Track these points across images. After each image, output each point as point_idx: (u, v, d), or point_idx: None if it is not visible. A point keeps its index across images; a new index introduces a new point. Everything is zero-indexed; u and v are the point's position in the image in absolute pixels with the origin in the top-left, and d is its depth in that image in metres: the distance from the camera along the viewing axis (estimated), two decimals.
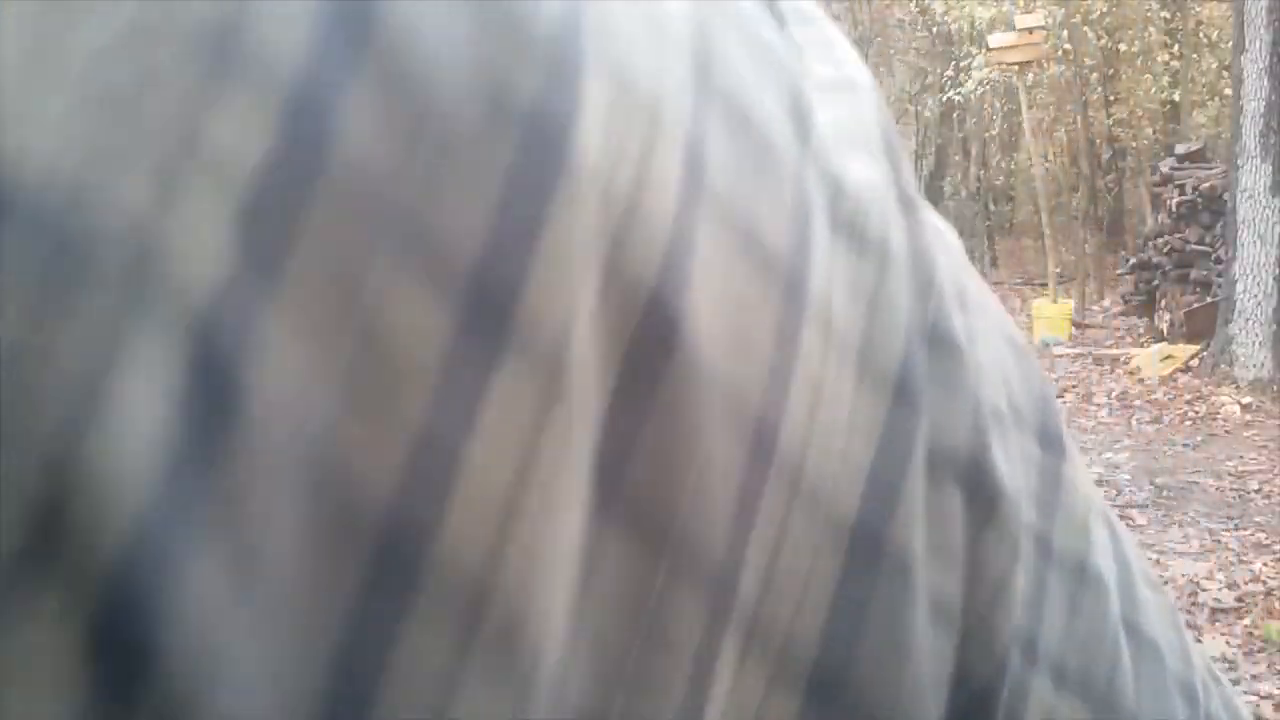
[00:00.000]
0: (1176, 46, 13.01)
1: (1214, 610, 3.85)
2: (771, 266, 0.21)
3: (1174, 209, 9.05)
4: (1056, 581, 0.28)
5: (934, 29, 15.69)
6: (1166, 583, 4.01)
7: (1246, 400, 6.90)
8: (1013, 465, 0.27)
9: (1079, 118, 12.89)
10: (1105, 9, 11.98)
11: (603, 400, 0.19)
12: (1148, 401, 7.13)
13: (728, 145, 0.21)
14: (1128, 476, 5.50)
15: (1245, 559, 4.32)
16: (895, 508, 0.23)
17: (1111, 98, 13.53)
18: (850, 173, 0.24)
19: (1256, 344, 7.27)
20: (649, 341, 0.19)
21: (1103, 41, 12.36)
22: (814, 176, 0.23)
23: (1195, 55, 13.40)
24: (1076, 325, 9.88)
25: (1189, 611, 3.83)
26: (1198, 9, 13.23)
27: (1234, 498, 5.14)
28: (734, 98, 0.21)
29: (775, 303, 0.21)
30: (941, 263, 0.26)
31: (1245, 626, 3.71)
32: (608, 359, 0.19)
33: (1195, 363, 7.80)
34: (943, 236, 0.27)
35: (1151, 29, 13.22)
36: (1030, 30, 10.05)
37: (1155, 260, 9.22)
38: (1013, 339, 0.30)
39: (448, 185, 0.16)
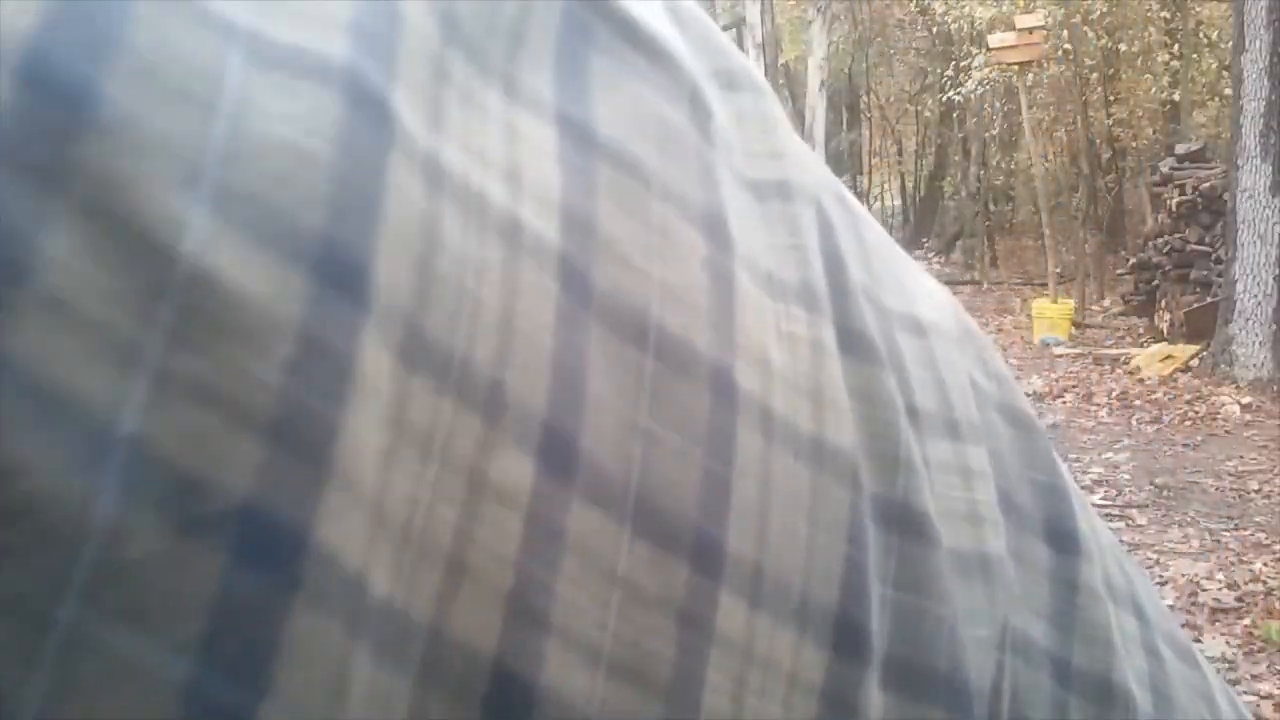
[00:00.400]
0: (1176, 46, 12.99)
1: (1214, 610, 3.84)
2: (672, 546, 0.17)
3: (1174, 209, 9.04)
4: (1079, 710, 0.26)
5: (934, 29, 15.67)
6: (1166, 583, 4.01)
7: (1246, 400, 6.90)
8: (1002, 624, 0.24)
9: (1079, 118, 12.88)
10: (1105, 9, 11.96)
11: None
12: (1148, 401, 7.12)
13: (613, 386, 0.17)
14: (1128, 476, 5.50)
15: (1245, 559, 4.31)
16: None
17: (1111, 98, 13.52)
18: (780, 350, 0.20)
19: (1256, 344, 7.27)
20: None
21: (1103, 41, 12.35)
22: (741, 369, 0.19)
23: (1195, 55, 13.40)
24: (1076, 325, 9.87)
25: (1189, 611, 3.83)
26: (1198, 9, 13.23)
27: (1234, 498, 5.14)
28: (621, 309, 0.17)
29: (679, 584, 0.17)
30: (902, 420, 0.22)
31: (1245, 626, 3.70)
32: None
33: (1195, 363, 7.79)
34: (919, 335, 0.24)
35: (1151, 29, 13.21)
36: (1030, 30, 10.04)
37: (1155, 260, 9.21)
38: (1018, 417, 0.27)
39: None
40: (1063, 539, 0.27)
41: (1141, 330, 9.52)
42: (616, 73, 0.19)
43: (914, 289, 0.25)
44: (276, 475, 0.13)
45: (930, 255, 16.42)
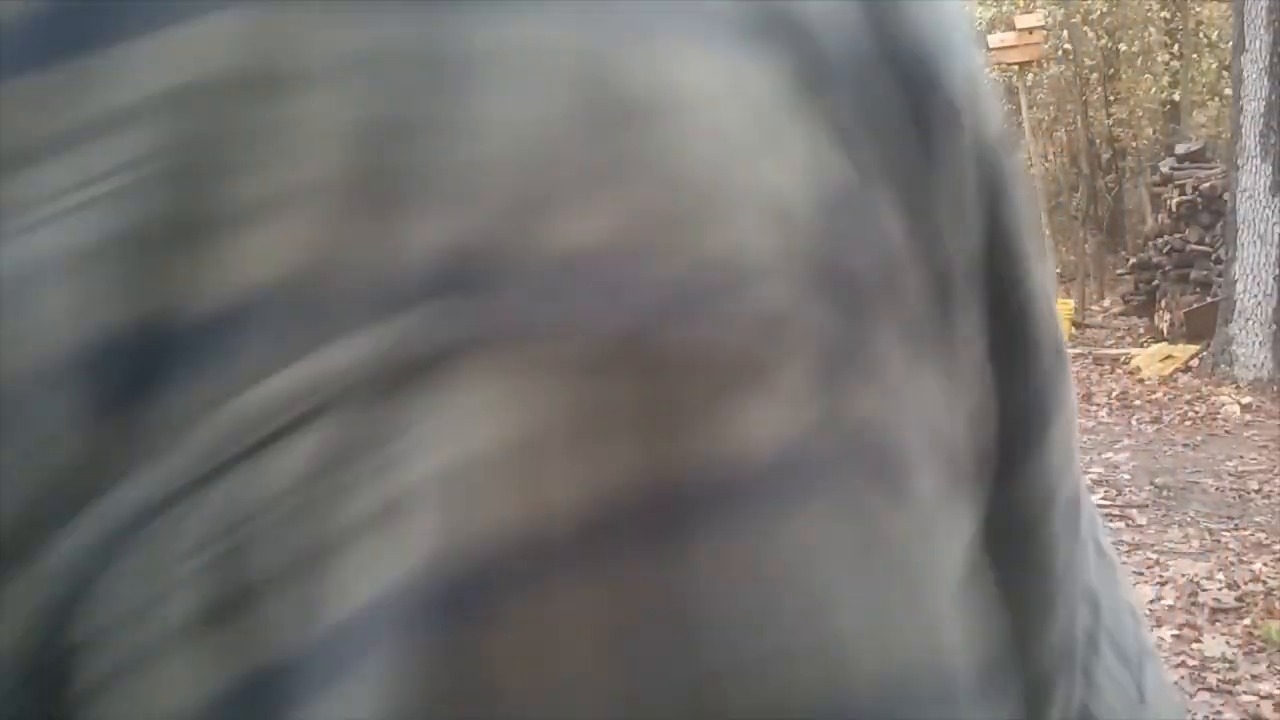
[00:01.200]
0: (1176, 46, 13.00)
1: (1214, 610, 3.84)
2: None
3: (1174, 209, 9.05)
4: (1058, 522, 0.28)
5: None
6: (1166, 583, 4.01)
7: (1246, 400, 6.90)
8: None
9: (1079, 118, 12.89)
10: (1105, 9, 11.97)
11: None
12: (1148, 401, 7.12)
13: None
14: (1128, 476, 5.50)
15: (1245, 559, 4.31)
16: None
17: (1111, 98, 13.52)
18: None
19: (1256, 344, 7.27)
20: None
21: (1103, 41, 12.35)
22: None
23: (1195, 55, 13.40)
24: (1076, 325, 9.88)
25: (1189, 611, 3.83)
26: (1198, 9, 13.23)
27: (1234, 498, 5.14)
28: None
29: None
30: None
31: (1245, 626, 3.70)
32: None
33: (1195, 363, 7.79)
34: None
35: (1151, 29, 13.21)
36: (1030, 30, 10.05)
37: (1155, 260, 9.21)
38: None
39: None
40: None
41: (1141, 330, 9.53)
42: None
43: None
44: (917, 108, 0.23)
45: None
